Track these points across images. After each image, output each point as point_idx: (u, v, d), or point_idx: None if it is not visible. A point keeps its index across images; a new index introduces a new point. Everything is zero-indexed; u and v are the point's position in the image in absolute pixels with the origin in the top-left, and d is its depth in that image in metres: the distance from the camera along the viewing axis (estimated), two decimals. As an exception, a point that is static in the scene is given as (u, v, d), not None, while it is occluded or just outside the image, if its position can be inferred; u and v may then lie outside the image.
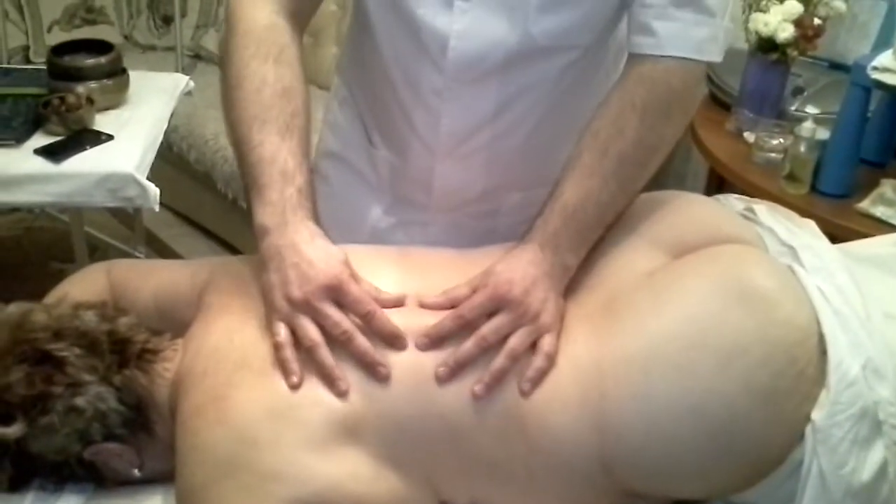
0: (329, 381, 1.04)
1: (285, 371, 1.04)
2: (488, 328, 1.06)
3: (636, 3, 1.13)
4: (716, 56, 1.15)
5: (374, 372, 1.05)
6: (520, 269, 1.09)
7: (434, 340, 1.06)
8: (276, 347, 1.06)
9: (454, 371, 1.05)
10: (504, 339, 1.06)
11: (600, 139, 1.13)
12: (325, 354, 1.04)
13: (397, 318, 1.07)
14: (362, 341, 1.05)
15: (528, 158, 1.27)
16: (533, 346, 1.06)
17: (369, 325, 1.06)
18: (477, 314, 1.07)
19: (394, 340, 1.06)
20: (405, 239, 1.36)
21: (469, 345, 1.05)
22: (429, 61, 1.21)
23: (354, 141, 1.40)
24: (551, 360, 1.06)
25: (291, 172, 1.13)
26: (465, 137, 1.26)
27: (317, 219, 1.15)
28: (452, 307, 1.09)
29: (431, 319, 1.08)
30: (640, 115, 1.12)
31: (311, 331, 1.05)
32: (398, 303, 1.10)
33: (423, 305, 1.10)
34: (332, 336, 1.05)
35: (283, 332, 1.06)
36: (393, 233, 1.38)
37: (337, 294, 1.06)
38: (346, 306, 1.07)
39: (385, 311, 1.07)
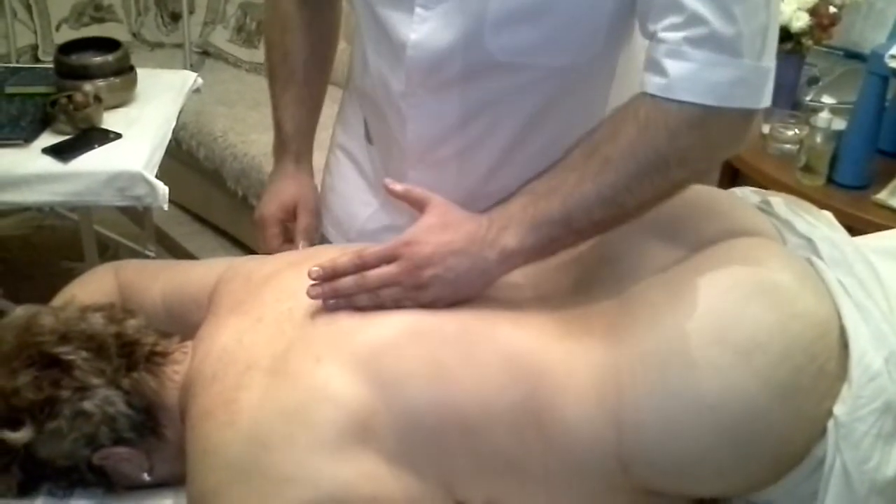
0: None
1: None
2: (375, 272, 1.08)
3: (653, 37, 1.04)
4: (749, 101, 1.03)
5: None
6: (447, 237, 1.08)
7: (327, 272, 1.09)
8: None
9: (324, 291, 1.08)
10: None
11: (593, 139, 1.06)
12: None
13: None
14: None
15: (502, 175, 1.24)
16: None
17: None
18: (375, 260, 1.08)
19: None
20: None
21: (349, 279, 1.08)
22: (396, 64, 1.21)
23: (356, 133, 1.43)
24: (368, 307, 1.08)
25: (281, 121, 1.46)
26: (432, 145, 1.26)
27: (300, 156, 1.47)
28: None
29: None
30: (640, 125, 1.03)
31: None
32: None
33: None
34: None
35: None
36: (376, 236, 1.38)
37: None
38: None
39: None
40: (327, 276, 1.08)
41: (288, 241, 1.43)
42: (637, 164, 1.03)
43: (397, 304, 1.08)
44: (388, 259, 1.08)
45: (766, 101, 1.04)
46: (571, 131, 1.11)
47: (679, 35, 1.01)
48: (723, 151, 1.10)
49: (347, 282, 1.08)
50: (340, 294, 1.08)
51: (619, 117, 1.05)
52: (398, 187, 1.14)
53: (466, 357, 1.04)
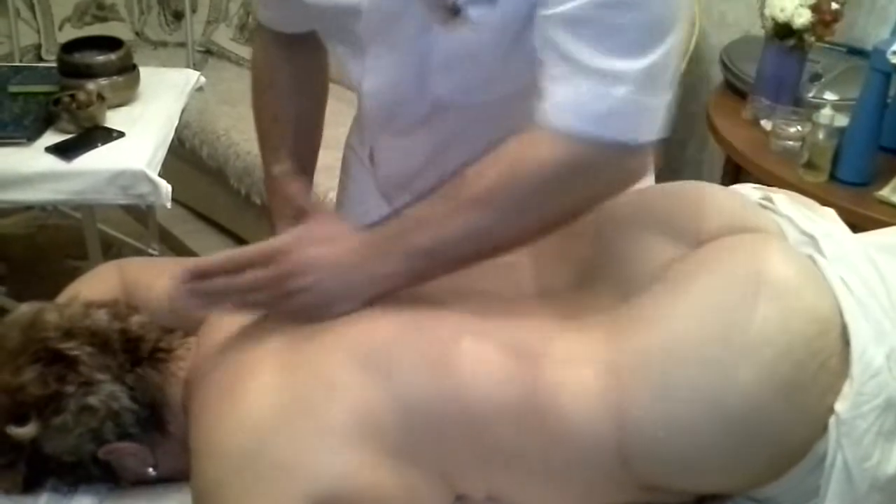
0: None
1: None
2: (245, 276, 1.06)
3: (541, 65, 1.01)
4: (627, 134, 0.99)
5: None
6: (323, 249, 1.07)
7: (193, 273, 1.06)
8: None
9: (189, 293, 1.06)
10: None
11: (469, 171, 1.04)
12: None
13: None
14: None
15: None
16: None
17: None
18: (247, 262, 1.07)
19: None
20: None
21: (220, 281, 1.06)
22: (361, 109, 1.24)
23: (358, 129, 1.45)
24: (232, 310, 1.08)
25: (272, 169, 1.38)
26: (404, 182, 1.28)
27: None
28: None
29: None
30: (514, 156, 1.02)
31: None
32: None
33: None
34: None
35: None
36: None
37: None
38: None
39: None
40: (196, 276, 1.06)
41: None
42: (510, 197, 1.01)
43: (263, 310, 1.08)
44: (261, 263, 1.06)
45: (645, 136, 1.00)
46: None
47: (557, 69, 0.99)
48: (603, 187, 1.05)
49: (217, 284, 1.06)
50: (207, 295, 1.07)
51: (496, 150, 1.03)
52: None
53: (471, 351, 1.04)
